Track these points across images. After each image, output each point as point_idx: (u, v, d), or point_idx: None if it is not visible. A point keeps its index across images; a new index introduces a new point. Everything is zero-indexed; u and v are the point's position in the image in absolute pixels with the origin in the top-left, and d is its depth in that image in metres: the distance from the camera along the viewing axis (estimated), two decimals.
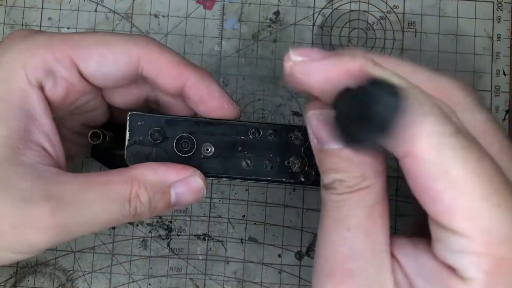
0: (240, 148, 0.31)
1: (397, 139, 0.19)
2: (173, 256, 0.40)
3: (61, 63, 0.29)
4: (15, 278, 0.40)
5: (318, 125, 0.25)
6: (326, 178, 0.25)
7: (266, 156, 0.32)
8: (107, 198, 0.28)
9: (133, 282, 0.40)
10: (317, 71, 0.23)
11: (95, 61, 0.30)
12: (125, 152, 0.31)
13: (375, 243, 0.25)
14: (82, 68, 0.30)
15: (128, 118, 0.31)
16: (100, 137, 0.33)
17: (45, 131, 0.29)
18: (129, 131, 0.31)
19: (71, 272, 0.40)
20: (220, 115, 0.32)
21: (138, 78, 0.31)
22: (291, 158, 0.32)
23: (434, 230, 0.24)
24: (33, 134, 0.29)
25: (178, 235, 0.41)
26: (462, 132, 0.23)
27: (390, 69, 0.23)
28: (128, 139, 0.31)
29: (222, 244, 0.41)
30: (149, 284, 0.40)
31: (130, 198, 0.28)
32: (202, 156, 0.31)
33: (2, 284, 0.40)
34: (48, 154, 0.29)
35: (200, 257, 0.41)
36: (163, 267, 0.40)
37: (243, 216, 0.41)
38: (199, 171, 0.30)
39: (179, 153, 0.31)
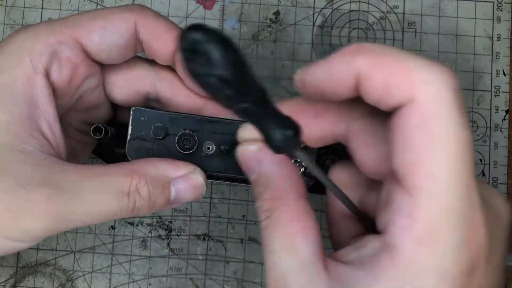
0: None
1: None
2: (173, 256, 0.40)
3: (65, 44, 0.30)
4: (15, 278, 0.40)
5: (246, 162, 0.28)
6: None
7: None
8: (106, 189, 0.28)
9: (133, 282, 0.40)
10: (319, 69, 0.26)
11: (97, 33, 0.30)
12: (127, 146, 0.31)
13: (300, 258, 0.26)
14: (87, 43, 0.30)
15: (131, 113, 0.31)
16: (102, 131, 0.33)
17: (47, 118, 0.29)
18: (131, 126, 0.31)
19: (71, 272, 0.40)
20: None
21: (137, 45, 0.32)
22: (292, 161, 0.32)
23: (386, 191, 0.24)
24: (35, 121, 0.29)
25: (178, 235, 0.41)
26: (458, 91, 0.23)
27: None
28: (130, 134, 0.31)
29: (222, 244, 0.41)
30: (149, 284, 0.40)
31: (130, 191, 0.28)
32: (203, 154, 0.31)
33: (2, 284, 0.40)
34: (49, 143, 0.29)
35: (200, 257, 0.41)
36: (163, 267, 0.40)
37: (243, 216, 0.41)
38: (199, 168, 0.31)
39: (181, 150, 0.31)
